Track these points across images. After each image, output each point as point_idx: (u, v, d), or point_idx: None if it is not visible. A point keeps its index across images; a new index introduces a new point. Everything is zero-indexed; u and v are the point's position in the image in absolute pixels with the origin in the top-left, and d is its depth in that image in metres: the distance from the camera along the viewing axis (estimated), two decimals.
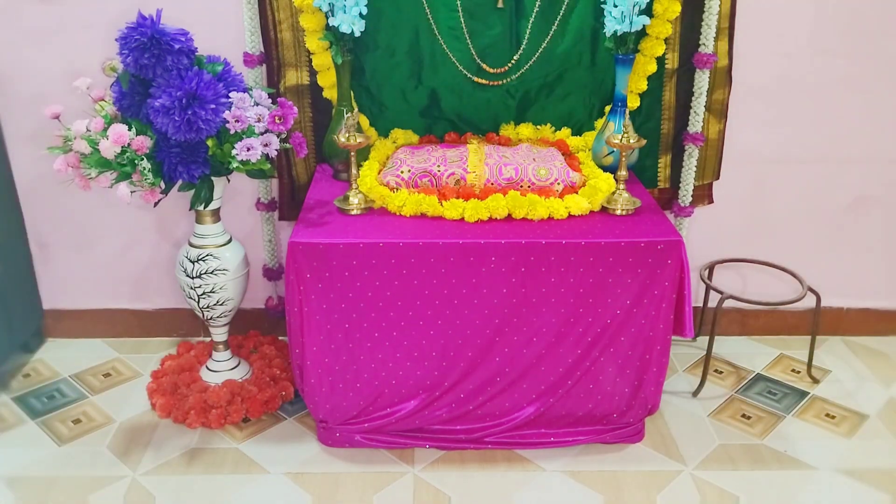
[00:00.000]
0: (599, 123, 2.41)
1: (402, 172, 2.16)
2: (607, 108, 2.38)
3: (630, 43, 2.23)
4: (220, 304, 2.30)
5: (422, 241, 1.96)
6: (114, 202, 2.00)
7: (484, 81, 2.43)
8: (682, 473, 2.13)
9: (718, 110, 2.49)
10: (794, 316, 2.77)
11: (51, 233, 2.65)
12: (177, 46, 1.91)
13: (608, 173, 2.20)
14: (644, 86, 2.40)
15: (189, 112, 1.89)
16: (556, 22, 2.36)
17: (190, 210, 2.18)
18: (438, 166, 2.16)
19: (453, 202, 2.07)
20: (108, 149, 1.90)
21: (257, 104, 2.02)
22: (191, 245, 2.25)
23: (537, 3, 2.34)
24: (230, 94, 1.96)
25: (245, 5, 2.31)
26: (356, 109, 2.25)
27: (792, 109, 2.53)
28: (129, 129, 1.92)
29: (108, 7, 2.29)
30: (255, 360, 2.54)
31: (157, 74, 1.93)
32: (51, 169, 1.97)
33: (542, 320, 2.04)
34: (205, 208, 2.18)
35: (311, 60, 2.37)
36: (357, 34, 2.17)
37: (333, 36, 2.20)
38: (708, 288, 2.69)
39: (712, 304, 2.67)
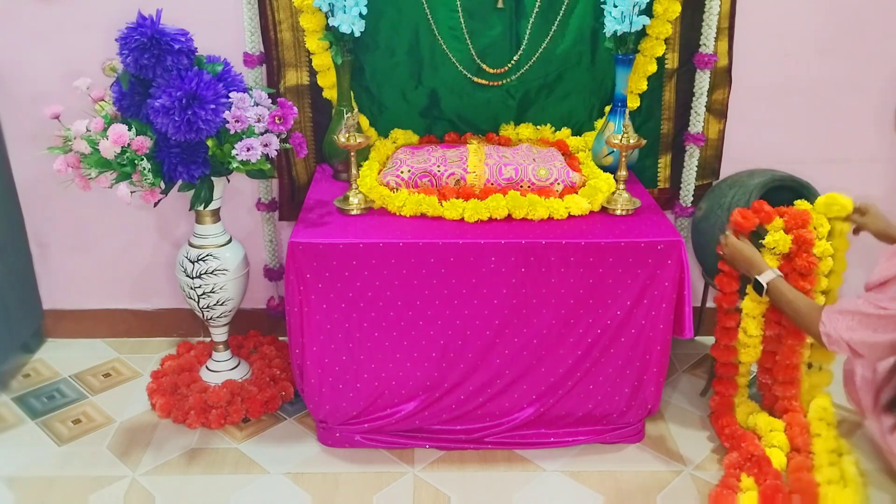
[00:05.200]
0: (599, 123, 2.41)
1: (402, 172, 2.16)
2: (607, 108, 2.38)
3: (630, 43, 2.23)
4: (220, 305, 2.30)
5: (422, 242, 1.96)
6: (114, 202, 1.99)
7: (484, 81, 2.43)
8: (682, 473, 2.13)
9: (718, 110, 2.49)
10: None
11: (51, 233, 2.65)
12: (177, 46, 1.91)
13: (608, 173, 2.20)
14: (644, 86, 2.40)
15: (189, 112, 1.89)
16: (556, 22, 2.36)
17: (190, 210, 2.18)
18: (438, 166, 2.16)
19: (453, 202, 2.07)
20: (108, 149, 1.90)
21: (257, 104, 2.02)
22: (191, 245, 2.25)
23: (537, 3, 2.34)
24: (230, 94, 1.96)
25: (245, 5, 2.31)
26: (356, 109, 2.25)
27: (792, 110, 2.53)
28: (129, 129, 1.92)
29: (108, 7, 2.29)
30: (255, 360, 2.54)
31: (157, 74, 1.93)
32: (51, 169, 1.97)
33: (542, 321, 2.04)
34: (205, 208, 2.18)
35: (311, 60, 2.37)
36: (357, 34, 2.17)
37: (333, 36, 2.20)
38: (707, 287, 2.69)
39: (711, 304, 2.67)
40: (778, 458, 2.04)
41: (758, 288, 2.05)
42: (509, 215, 2.07)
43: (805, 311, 1.95)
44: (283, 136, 2.06)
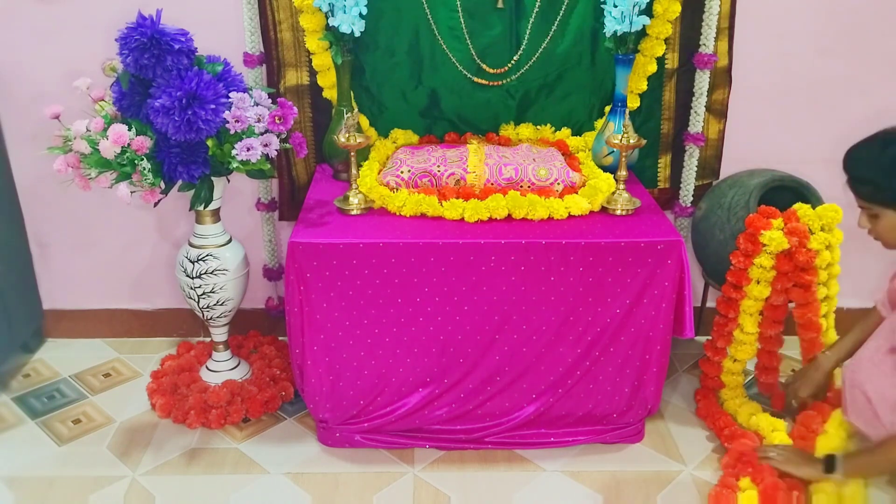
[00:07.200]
0: (599, 123, 2.41)
1: (402, 172, 2.16)
2: (607, 108, 2.38)
3: (630, 43, 2.23)
4: (220, 304, 2.30)
5: (422, 242, 1.96)
6: (114, 202, 1.99)
7: (484, 81, 2.43)
8: (682, 473, 2.13)
9: (718, 110, 2.50)
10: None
11: (51, 233, 2.65)
12: (177, 46, 1.91)
13: (608, 173, 2.20)
14: (644, 86, 2.40)
15: (189, 112, 1.89)
16: (556, 22, 2.36)
17: (190, 210, 2.18)
18: (438, 166, 2.16)
19: (453, 202, 2.07)
20: (108, 149, 1.90)
21: (257, 104, 2.02)
22: (191, 245, 2.25)
23: (537, 4, 2.34)
24: (230, 94, 1.96)
25: (245, 5, 2.31)
26: (356, 109, 2.25)
27: (792, 109, 2.53)
28: (129, 129, 1.92)
29: (108, 7, 2.29)
30: (255, 360, 2.54)
31: (157, 74, 1.93)
32: (51, 169, 1.97)
33: (541, 319, 2.04)
34: (205, 208, 2.18)
35: (311, 60, 2.37)
36: (357, 34, 2.17)
37: (333, 36, 2.20)
38: (707, 287, 2.69)
39: (711, 303, 2.67)
40: None
41: (831, 468, 1.88)
42: (509, 215, 2.07)
43: (889, 446, 1.81)
44: (283, 136, 2.06)
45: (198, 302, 2.28)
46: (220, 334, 2.42)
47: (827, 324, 2.23)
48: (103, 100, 2.05)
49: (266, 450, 2.22)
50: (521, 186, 2.14)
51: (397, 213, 2.10)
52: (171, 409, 2.32)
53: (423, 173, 2.16)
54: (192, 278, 2.24)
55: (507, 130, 2.49)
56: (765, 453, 2.02)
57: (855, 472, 1.86)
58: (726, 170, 2.56)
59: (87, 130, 1.95)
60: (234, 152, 1.96)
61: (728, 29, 2.39)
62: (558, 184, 2.16)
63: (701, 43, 2.37)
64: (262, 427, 2.32)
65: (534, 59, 2.40)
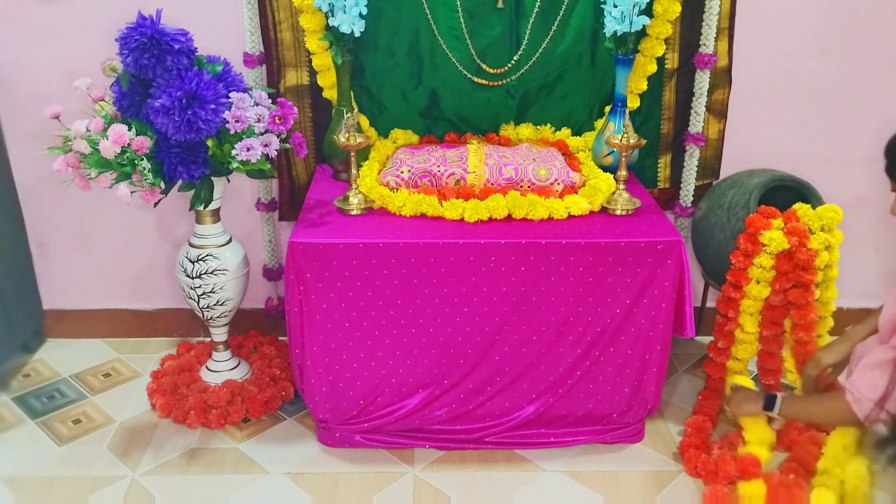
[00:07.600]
0: (599, 123, 2.41)
1: (402, 172, 2.16)
2: (607, 108, 2.38)
3: (630, 43, 2.24)
4: (220, 304, 2.30)
5: (422, 242, 1.96)
6: (114, 202, 1.99)
7: (484, 81, 2.43)
8: (682, 474, 2.13)
9: (718, 110, 2.50)
10: None
11: (51, 233, 2.65)
12: (177, 46, 1.91)
13: (608, 173, 2.20)
14: (644, 86, 2.40)
15: (189, 112, 1.89)
16: (556, 22, 2.36)
17: (190, 210, 2.18)
18: (438, 166, 2.16)
19: (453, 202, 2.07)
20: (108, 149, 1.90)
21: (257, 104, 2.02)
22: (191, 245, 2.25)
23: (537, 4, 2.34)
24: (230, 94, 1.96)
25: (245, 5, 2.31)
26: (356, 109, 2.25)
27: (792, 109, 2.53)
28: (129, 129, 1.92)
29: (108, 7, 2.29)
30: (255, 360, 2.54)
31: (157, 74, 1.93)
32: (51, 169, 1.97)
33: (541, 319, 2.04)
34: (205, 208, 2.18)
35: (311, 60, 2.37)
36: (357, 34, 2.17)
37: (333, 36, 2.20)
38: (707, 287, 2.69)
39: (711, 303, 2.67)
40: (763, 456, 2.03)
41: (770, 405, 2.00)
42: (509, 215, 2.07)
43: (829, 397, 1.91)
44: (283, 136, 2.06)
45: (198, 302, 2.28)
46: (220, 334, 2.42)
47: (822, 328, 2.22)
48: (103, 100, 2.05)
49: (266, 450, 2.22)
50: (521, 186, 2.14)
51: (397, 214, 2.10)
52: (171, 409, 2.32)
53: (423, 173, 2.16)
54: (192, 278, 2.24)
55: (507, 130, 2.49)
56: (726, 404, 2.15)
57: (791, 413, 2.00)
58: (726, 170, 2.56)
59: (87, 130, 1.95)
60: (234, 152, 1.96)
61: (728, 29, 2.39)
62: (558, 184, 2.16)
63: (701, 43, 2.37)
64: (262, 427, 2.32)
65: (534, 59, 2.40)
